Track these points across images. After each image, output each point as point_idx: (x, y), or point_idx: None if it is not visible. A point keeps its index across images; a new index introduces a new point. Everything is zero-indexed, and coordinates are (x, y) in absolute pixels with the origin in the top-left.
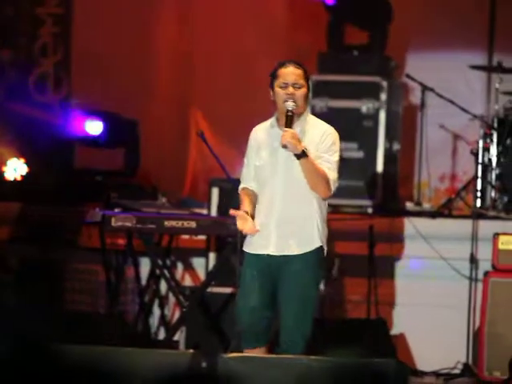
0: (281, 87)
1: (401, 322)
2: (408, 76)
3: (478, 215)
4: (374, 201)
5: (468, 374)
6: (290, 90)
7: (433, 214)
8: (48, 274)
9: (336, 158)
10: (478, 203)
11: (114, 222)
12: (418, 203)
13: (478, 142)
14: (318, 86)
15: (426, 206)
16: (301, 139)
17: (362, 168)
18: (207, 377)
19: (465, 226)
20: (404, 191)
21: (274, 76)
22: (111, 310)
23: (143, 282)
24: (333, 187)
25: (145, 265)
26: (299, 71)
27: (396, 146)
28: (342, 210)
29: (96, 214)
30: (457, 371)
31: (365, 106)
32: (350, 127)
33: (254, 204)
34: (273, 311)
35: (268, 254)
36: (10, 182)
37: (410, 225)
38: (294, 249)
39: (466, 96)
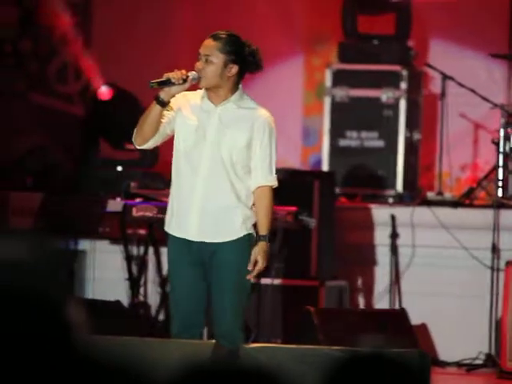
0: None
1: (423, 312)
2: (428, 65)
3: (499, 205)
4: (395, 190)
5: (490, 365)
6: (198, 64)
7: (454, 204)
8: (68, 265)
9: (269, 149)
10: (500, 193)
11: (135, 212)
12: (440, 193)
13: (499, 132)
14: (339, 75)
15: (448, 195)
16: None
17: (383, 157)
18: (229, 367)
19: (486, 215)
20: (425, 181)
21: None
22: (133, 301)
23: (165, 272)
24: (275, 182)
25: (166, 255)
26: (213, 43)
27: (416, 136)
28: (362, 200)
29: (117, 204)
30: (479, 361)
31: (385, 95)
32: (370, 116)
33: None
34: (206, 303)
35: (187, 239)
36: (32, 171)
37: (432, 214)
38: (217, 236)
39: (487, 85)
